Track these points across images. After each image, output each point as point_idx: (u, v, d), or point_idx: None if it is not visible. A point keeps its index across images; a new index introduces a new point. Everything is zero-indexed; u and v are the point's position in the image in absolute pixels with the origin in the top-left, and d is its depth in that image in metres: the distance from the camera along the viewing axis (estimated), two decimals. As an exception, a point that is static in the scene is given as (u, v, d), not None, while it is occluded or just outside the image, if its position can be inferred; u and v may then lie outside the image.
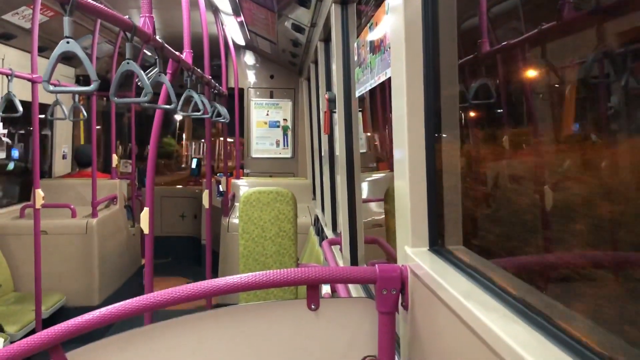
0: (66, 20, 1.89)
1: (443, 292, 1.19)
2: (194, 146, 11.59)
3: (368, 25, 2.03)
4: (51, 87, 2.02)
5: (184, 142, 11.65)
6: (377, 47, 1.89)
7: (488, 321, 0.98)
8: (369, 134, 5.46)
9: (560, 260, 1.25)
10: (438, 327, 1.26)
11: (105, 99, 7.31)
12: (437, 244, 1.45)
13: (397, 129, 1.53)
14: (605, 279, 1.04)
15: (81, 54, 1.92)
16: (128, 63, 2.23)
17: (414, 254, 1.42)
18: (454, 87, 1.45)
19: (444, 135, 1.44)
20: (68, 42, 1.90)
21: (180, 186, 8.64)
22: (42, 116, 4.85)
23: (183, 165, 11.11)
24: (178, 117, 10.26)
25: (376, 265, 1.50)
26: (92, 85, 2.01)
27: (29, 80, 4.08)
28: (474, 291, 1.15)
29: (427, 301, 1.32)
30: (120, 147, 8.92)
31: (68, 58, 5.61)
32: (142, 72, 2.24)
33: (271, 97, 7.09)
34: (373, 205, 4.60)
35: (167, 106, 2.77)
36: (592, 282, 1.07)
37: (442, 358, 1.25)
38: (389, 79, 1.68)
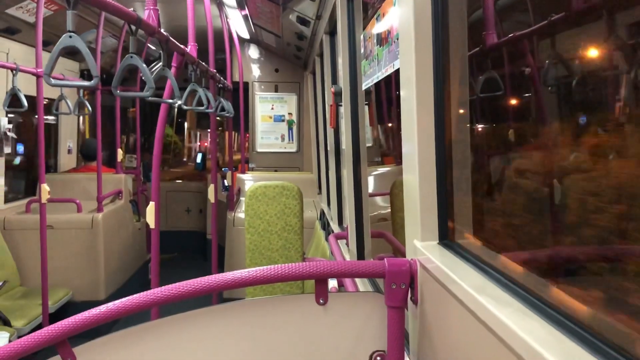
0: (69, 14, 1.88)
1: (454, 286, 1.17)
2: (199, 140, 10.98)
3: (375, 16, 2.01)
4: (52, 81, 2.00)
5: (186, 131, 10.53)
6: (384, 39, 1.86)
7: (502, 316, 0.95)
8: (379, 129, 5.42)
9: (575, 253, 1.23)
10: (449, 322, 1.25)
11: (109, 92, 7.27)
12: (447, 237, 1.43)
13: (406, 121, 1.51)
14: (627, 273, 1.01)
15: (83, 48, 1.90)
16: (131, 57, 2.21)
17: (423, 248, 1.40)
18: (465, 78, 1.43)
19: (454, 127, 1.42)
20: (71, 37, 1.89)
21: (182, 181, 8.57)
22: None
23: (185, 159, 10.32)
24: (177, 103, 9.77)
25: (385, 259, 1.48)
26: (92, 81, 2.00)
27: (33, 74, 4.07)
28: (486, 285, 1.12)
29: (437, 295, 1.30)
30: (125, 140, 8.83)
31: (73, 52, 5.60)
32: (144, 66, 2.22)
33: (276, 91, 7.06)
34: (378, 200, 4.58)
35: (171, 100, 2.76)
36: (613, 276, 1.05)
37: (453, 353, 1.24)
38: (397, 71, 1.65)
